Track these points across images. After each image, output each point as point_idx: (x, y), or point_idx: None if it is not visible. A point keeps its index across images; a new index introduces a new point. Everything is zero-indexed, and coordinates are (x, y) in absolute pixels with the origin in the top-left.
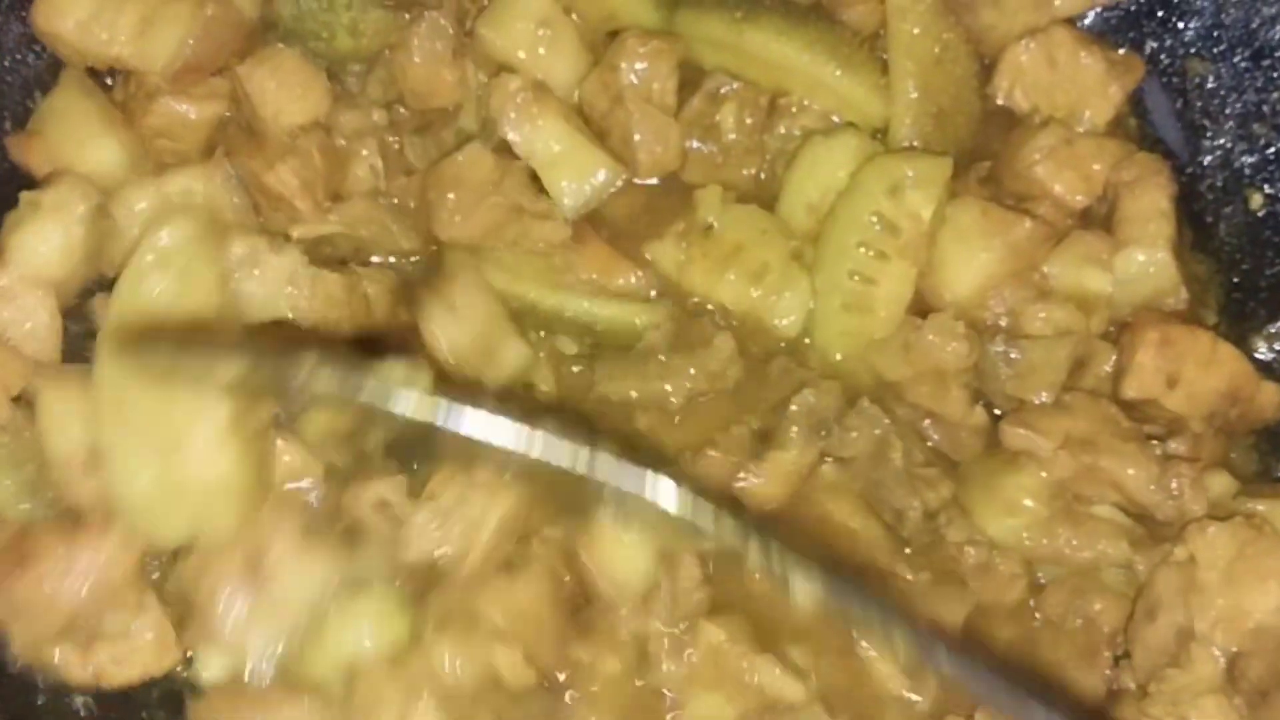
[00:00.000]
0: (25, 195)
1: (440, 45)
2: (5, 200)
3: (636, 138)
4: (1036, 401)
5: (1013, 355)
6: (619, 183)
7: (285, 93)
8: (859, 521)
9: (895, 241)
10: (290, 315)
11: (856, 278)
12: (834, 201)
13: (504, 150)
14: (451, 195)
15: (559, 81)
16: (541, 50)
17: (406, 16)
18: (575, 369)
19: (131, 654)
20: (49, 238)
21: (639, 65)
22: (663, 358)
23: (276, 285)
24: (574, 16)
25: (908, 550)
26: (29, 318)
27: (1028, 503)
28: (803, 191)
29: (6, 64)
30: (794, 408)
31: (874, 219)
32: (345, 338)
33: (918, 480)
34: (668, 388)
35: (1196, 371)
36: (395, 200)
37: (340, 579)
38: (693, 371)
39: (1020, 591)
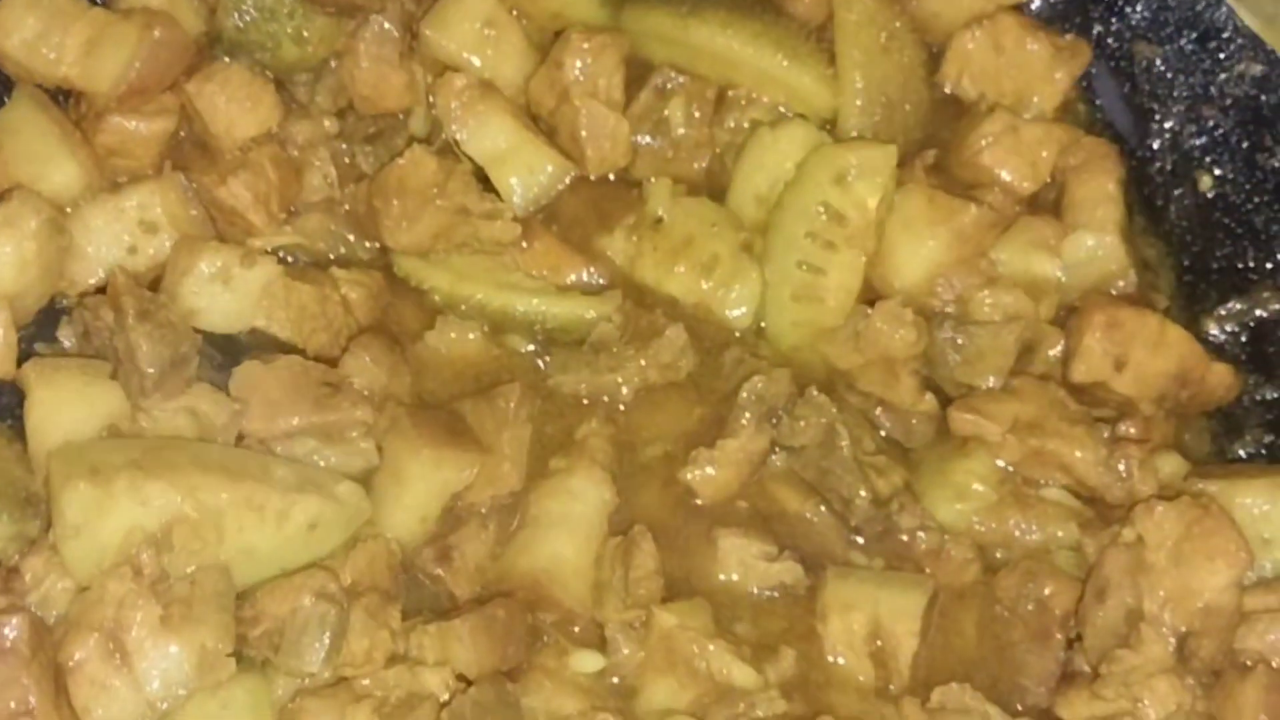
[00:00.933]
0: None
1: (387, 49)
2: None
3: (584, 134)
4: (985, 387)
5: (960, 341)
6: (568, 179)
7: (235, 106)
8: (810, 509)
9: (842, 231)
10: (263, 325)
11: (805, 267)
12: (781, 192)
13: (448, 152)
14: (396, 201)
15: (506, 81)
16: (488, 51)
17: (351, 23)
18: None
19: None
20: (3, 253)
21: (584, 62)
22: (615, 350)
23: (249, 299)
24: (519, 16)
25: (860, 539)
26: None
27: (977, 487)
28: (751, 183)
29: None
30: (744, 395)
31: (820, 209)
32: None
33: (868, 468)
34: (619, 379)
35: (1145, 354)
36: (347, 208)
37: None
38: (644, 363)
39: (974, 575)
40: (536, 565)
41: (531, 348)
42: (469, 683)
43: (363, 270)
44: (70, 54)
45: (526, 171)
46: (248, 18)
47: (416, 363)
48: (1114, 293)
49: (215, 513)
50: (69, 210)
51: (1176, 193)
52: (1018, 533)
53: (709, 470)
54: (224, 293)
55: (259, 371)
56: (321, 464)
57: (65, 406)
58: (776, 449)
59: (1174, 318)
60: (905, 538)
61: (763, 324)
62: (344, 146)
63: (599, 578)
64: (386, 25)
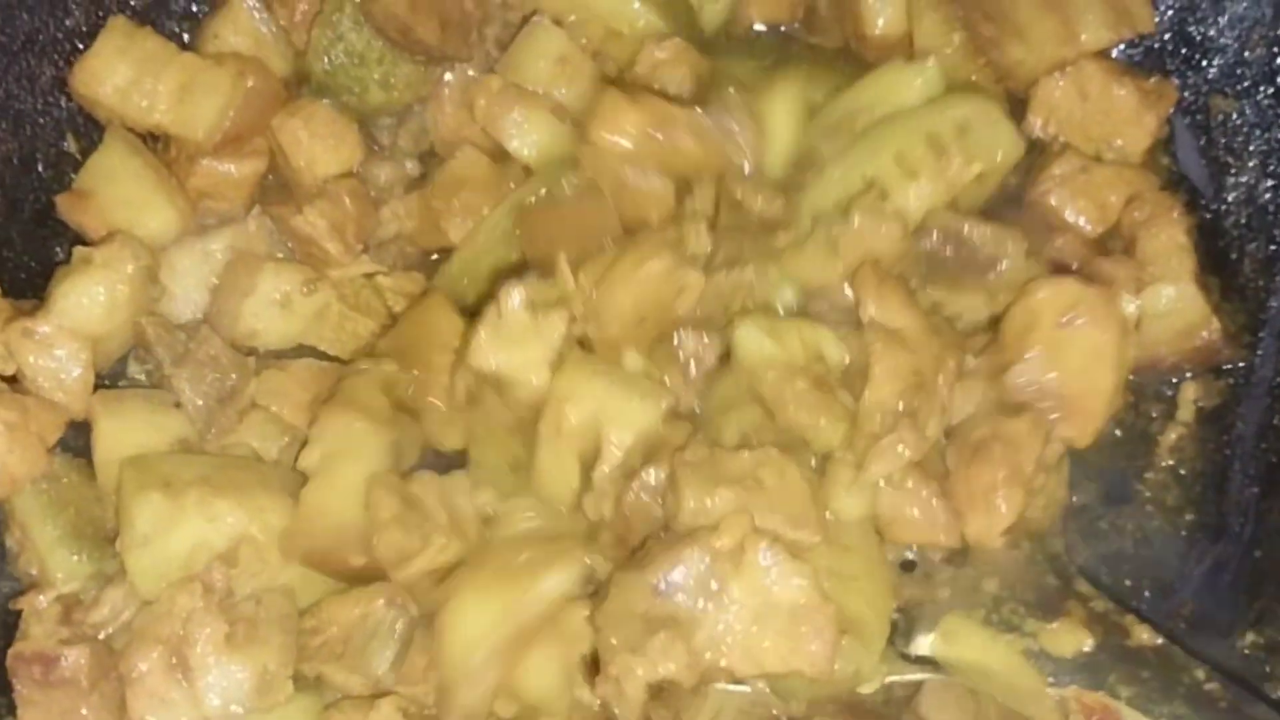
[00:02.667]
0: (78, 250)
1: (470, 96)
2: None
3: None
4: None
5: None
6: None
7: (318, 144)
8: None
9: (935, 164)
10: (312, 343)
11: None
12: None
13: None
14: (455, 199)
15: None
16: (561, 89)
17: (437, 70)
18: None
19: None
20: (95, 293)
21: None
22: None
23: (304, 322)
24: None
25: None
26: (63, 369)
27: None
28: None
29: (39, 106)
30: None
31: (926, 137)
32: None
33: None
34: None
35: None
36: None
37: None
38: None
39: None
40: None
41: None
42: None
43: (406, 276)
44: (163, 101)
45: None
46: (337, 61)
47: None
48: (1199, 343)
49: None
50: (159, 253)
51: (1251, 247)
52: None
53: None
54: (281, 316)
55: (281, 379)
56: None
57: (132, 434)
58: None
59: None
60: None
61: None
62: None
63: None
64: (471, 73)
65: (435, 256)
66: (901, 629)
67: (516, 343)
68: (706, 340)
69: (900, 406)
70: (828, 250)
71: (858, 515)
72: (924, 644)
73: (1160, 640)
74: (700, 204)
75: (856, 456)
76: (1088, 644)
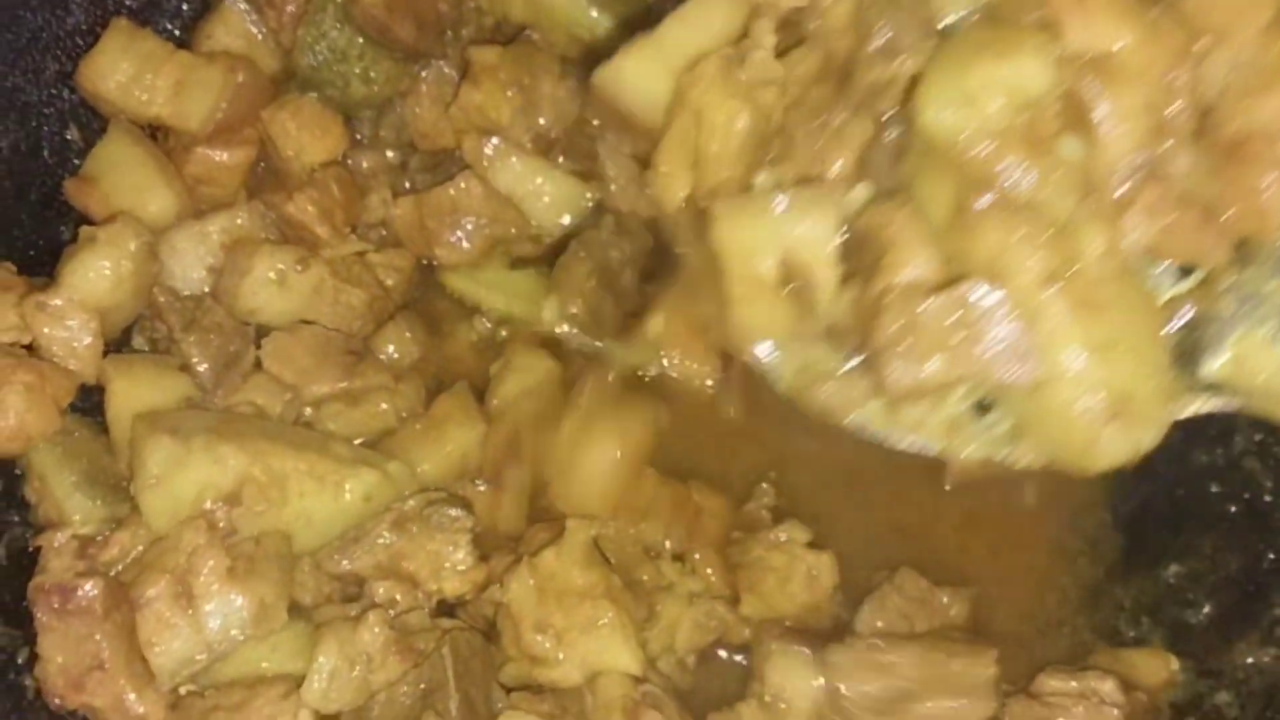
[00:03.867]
0: (85, 230)
1: (446, 92)
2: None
3: (614, 188)
4: None
5: None
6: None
7: (305, 134)
8: None
9: None
10: (312, 318)
11: None
12: None
13: None
14: (449, 222)
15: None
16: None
17: (415, 66)
18: None
19: None
20: (101, 268)
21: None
22: None
23: (302, 298)
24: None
25: None
26: (75, 338)
27: None
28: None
29: (44, 97)
30: None
31: None
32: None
33: None
34: None
35: None
36: (384, 232)
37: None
38: None
39: None
40: None
41: None
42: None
43: (397, 252)
44: (161, 95)
45: (557, 200)
46: (321, 57)
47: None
48: None
49: (281, 477)
50: (159, 235)
51: None
52: None
53: None
54: (280, 294)
55: (288, 342)
56: (345, 427)
57: (142, 392)
58: None
59: None
60: None
61: None
62: (406, 184)
63: None
64: (446, 70)
65: None
66: (1185, 352)
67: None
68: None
69: (1138, 160)
70: None
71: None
72: (1212, 368)
73: None
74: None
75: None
76: None
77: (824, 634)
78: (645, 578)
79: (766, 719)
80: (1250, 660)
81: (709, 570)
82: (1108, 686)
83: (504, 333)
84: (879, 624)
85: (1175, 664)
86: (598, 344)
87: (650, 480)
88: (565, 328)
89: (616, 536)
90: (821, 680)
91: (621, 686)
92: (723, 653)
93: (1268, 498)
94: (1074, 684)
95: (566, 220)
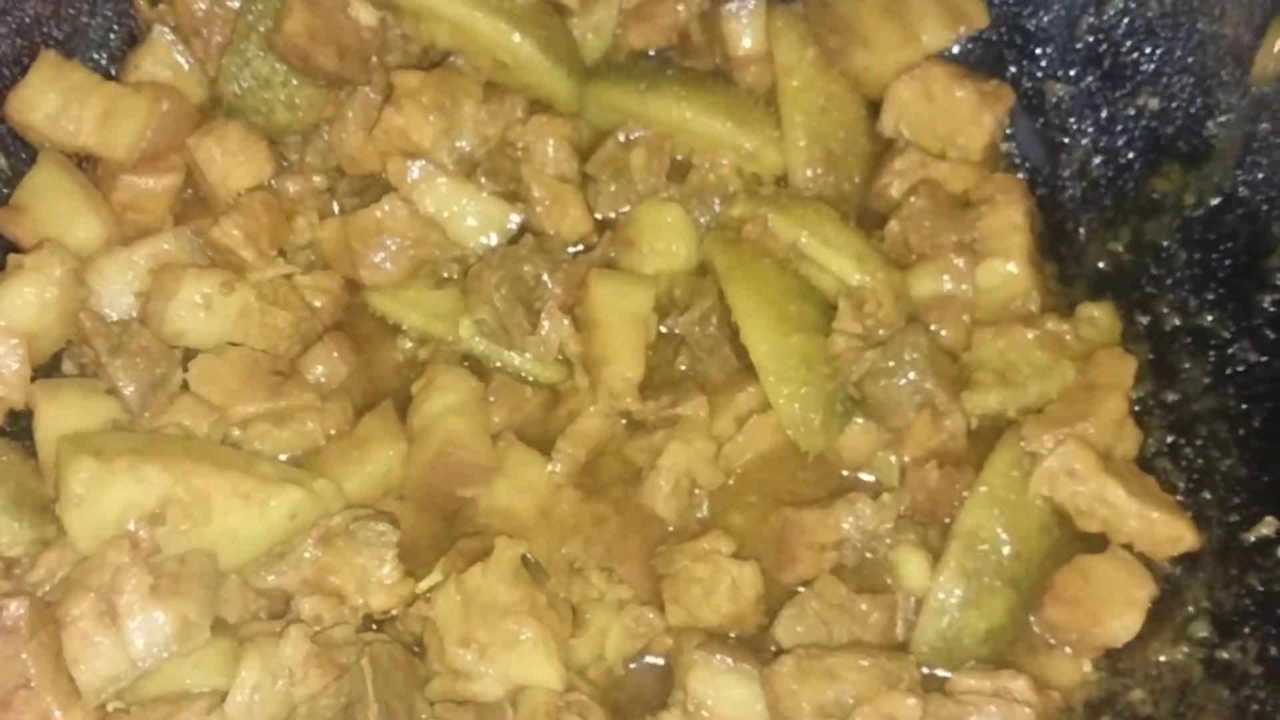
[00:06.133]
0: (11, 257)
1: (371, 116)
2: None
3: (539, 210)
4: None
5: None
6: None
7: (230, 160)
8: None
9: None
10: (240, 340)
11: None
12: None
13: None
14: (374, 244)
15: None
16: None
17: (340, 93)
18: None
19: None
20: (27, 295)
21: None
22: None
23: (229, 320)
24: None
25: None
26: (2, 363)
27: None
28: None
29: None
30: None
31: None
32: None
33: None
34: None
35: None
36: (312, 256)
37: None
38: None
39: None
40: None
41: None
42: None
43: (325, 274)
44: (88, 125)
45: (485, 224)
46: (245, 85)
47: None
48: (1018, 313)
49: (204, 496)
50: (87, 262)
51: (1086, 217)
52: None
53: None
54: (206, 317)
55: (214, 364)
56: (272, 446)
57: (69, 415)
58: None
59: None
60: None
61: None
62: (335, 208)
63: None
64: (372, 95)
65: None
66: None
67: None
68: None
69: None
70: None
71: None
72: None
73: None
74: None
75: None
76: None
77: (746, 642)
78: (575, 590)
79: None
80: (1163, 658)
81: (631, 583)
82: (1020, 685)
83: (423, 353)
84: (798, 630)
85: (1088, 665)
86: (508, 353)
87: (571, 498)
88: (475, 338)
89: (546, 551)
90: (742, 690)
91: (544, 699)
92: (652, 659)
93: (1179, 498)
94: (988, 683)
95: (492, 240)
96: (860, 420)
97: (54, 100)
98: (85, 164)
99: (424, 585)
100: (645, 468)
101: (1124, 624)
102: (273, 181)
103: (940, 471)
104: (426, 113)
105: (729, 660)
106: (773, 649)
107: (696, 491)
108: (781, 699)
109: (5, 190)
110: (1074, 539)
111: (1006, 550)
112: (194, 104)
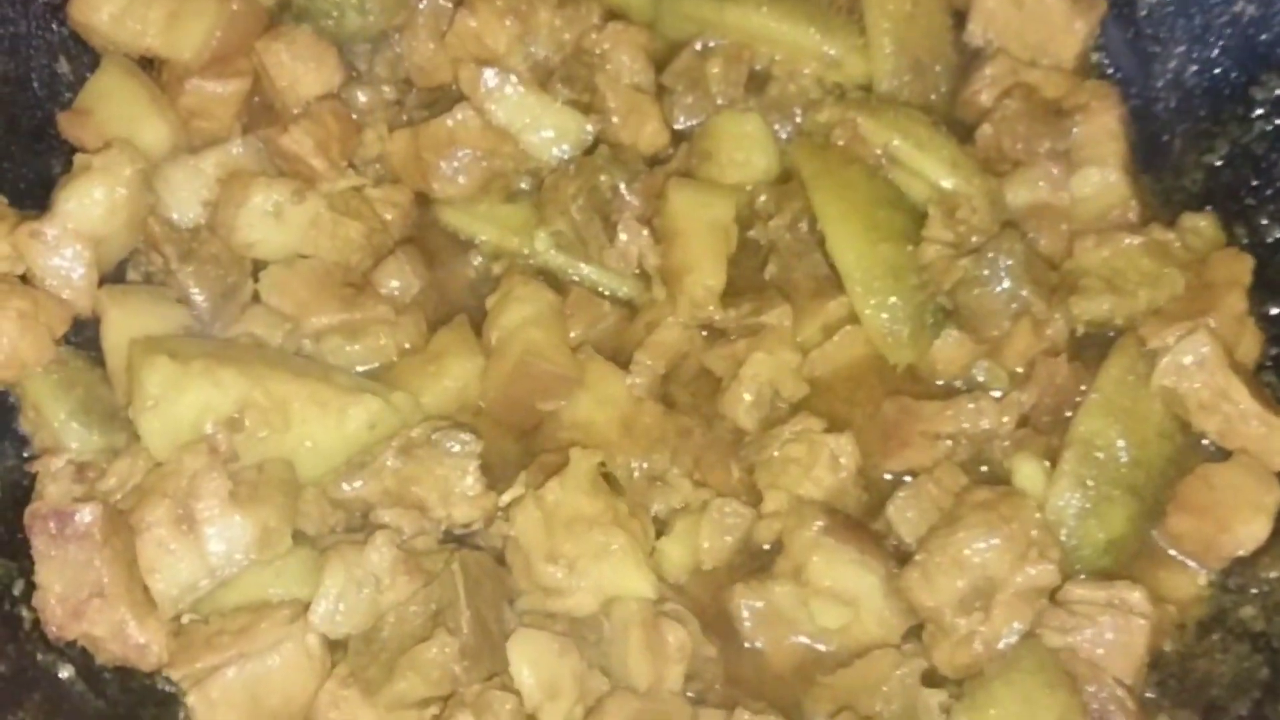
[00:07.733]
0: (79, 157)
1: (442, 24)
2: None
3: (615, 120)
4: None
5: None
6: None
7: (300, 65)
8: None
9: None
10: (310, 252)
11: None
12: None
13: None
14: (446, 155)
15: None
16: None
17: None
18: None
19: None
20: (95, 195)
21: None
22: None
23: (299, 230)
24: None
25: None
26: (70, 268)
27: None
28: None
29: (33, 30)
30: None
31: None
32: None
33: None
34: None
35: None
36: (380, 168)
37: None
38: None
39: None
40: None
41: None
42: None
43: (395, 187)
44: (154, 26)
45: (556, 132)
46: None
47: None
48: (1116, 222)
49: (283, 402)
50: (154, 167)
51: (1181, 128)
52: None
53: None
54: (277, 226)
55: (286, 274)
56: (345, 359)
57: (139, 322)
58: None
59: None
60: None
61: None
62: (404, 120)
63: None
64: (443, 3)
65: None
66: None
67: None
68: None
69: None
70: None
71: None
72: None
73: None
74: None
75: None
76: None
77: (854, 523)
78: (656, 504)
79: (799, 594)
80: (1275, 574)
81: (718, 488)
82: (1136, 596)
83: (496, 268)
84: (909, 515)
85: (1203, 579)
86: (585, 266)
87: (653, 411)
88: (551, 250)
89: (623, 467)
90: (866, 580)
91: (638, 608)
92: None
93: None
94: (1101, 593)
95: (565, 153)
96: (954, 332)
97: (118, 0)
98: (150, 69)
99: (507, 498)
100: (726, 378)
101: (1251, 530)
102: (341, 92)
103: (1070, 366)
104: (501, 16)
105: (854, 552)
106: (884, 533)
107: (780, 405)
108: (919, 609)
109: (67, 95)
110: (1195, 448)
111: (1124, 458)
112: (263, 5)
